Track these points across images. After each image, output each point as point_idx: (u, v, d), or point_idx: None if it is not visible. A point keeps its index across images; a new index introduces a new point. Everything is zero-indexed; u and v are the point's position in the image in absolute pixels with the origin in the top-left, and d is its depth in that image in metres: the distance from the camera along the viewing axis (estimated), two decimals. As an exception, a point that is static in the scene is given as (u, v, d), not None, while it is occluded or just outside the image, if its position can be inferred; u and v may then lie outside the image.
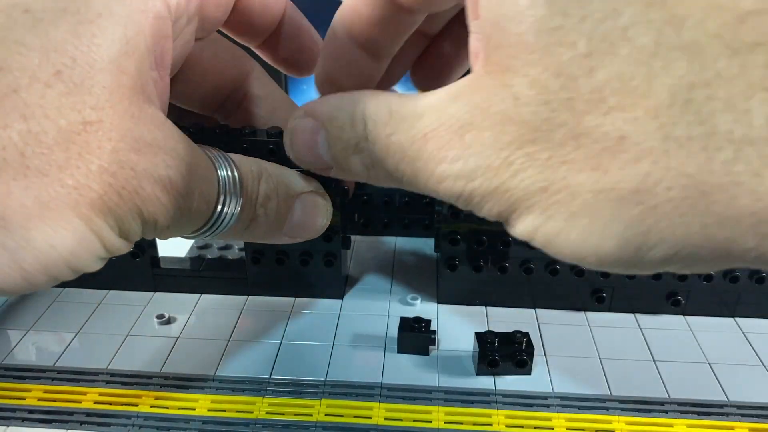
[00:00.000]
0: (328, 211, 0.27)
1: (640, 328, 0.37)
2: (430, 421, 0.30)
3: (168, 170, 0.20)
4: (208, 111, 0.30)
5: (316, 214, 0.27)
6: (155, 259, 0.40)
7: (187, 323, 0.37)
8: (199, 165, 0.21)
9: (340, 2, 0.25)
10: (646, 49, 0.14)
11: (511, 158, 0.17)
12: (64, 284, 0.39)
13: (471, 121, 0.17)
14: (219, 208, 0.22)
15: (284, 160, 0.25)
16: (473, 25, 0.20)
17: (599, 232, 0.16)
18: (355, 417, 0.30)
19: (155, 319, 0.37)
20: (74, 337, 0.35)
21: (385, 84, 0.30)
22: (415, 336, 0.34)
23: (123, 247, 0.20)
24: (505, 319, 0.37)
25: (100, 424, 0.30)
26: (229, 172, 0.23)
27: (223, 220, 0.23)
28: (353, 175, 0.22)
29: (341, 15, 0.25)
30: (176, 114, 0.31)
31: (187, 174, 0.20)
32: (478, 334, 0.33)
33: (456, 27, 0.28)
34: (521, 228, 0.18)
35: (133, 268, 0.39)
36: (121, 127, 0.19)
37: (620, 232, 0.16)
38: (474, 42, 0.20)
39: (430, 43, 0.29)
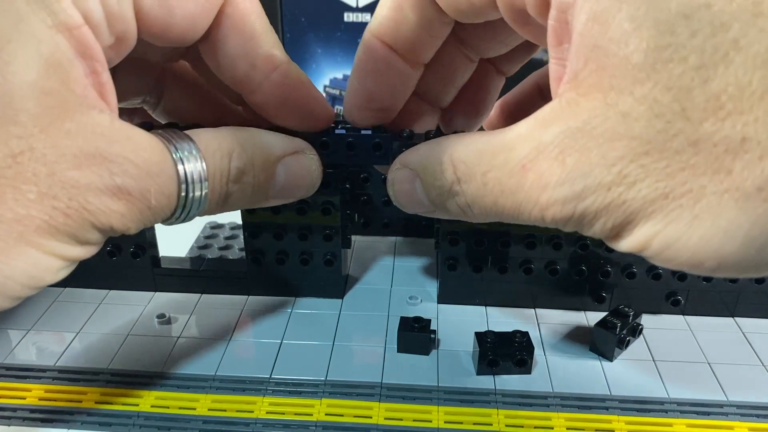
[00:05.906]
0: (316, 168, 0.27)
1: (640, 328, 0.37)
2: (430, 421, 0.30)
3: (114, 178, 0.19)
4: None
5: (303, 174, 0.26)
6: (156, 258, 0.40)
7: (188, 323, 0.37)
8: (151, 161, 0.21)
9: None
10: (759, 56, 0.15)
11: (625, 171, 0.17)
12: (64, 284, 0.40)
13: (571, 145, 0.18)
14: (183, 195, 0.22)
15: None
16: (555, 51, 0.20)
17: (723, 233, 0.16)
18: (355, 417, 0.30)
19: (156, 319, 0.37)
20: (75, 337, 0.35)
21: (443, 115, 0.32)
22: (415, 336, 0.34)
23: (87, 253, 0.20)
24: (505, 318, 0.37)
25: (101, 424, 0.30)
26: (190, 160, 0.22)
27: (192, 205, 0.23)
28: (453, 216, 0.23)
29: (378, 23, 0.25)
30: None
31: (137, 175, 0.20)
32: (478, 334, 0.33)
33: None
34: (636, 238, 0.18)
35: (134, 268, 0.39)
36: (57, 148, 0.18)
37: (746, 231, 0.16)
38: (556, 67, 0.20)
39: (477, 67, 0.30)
